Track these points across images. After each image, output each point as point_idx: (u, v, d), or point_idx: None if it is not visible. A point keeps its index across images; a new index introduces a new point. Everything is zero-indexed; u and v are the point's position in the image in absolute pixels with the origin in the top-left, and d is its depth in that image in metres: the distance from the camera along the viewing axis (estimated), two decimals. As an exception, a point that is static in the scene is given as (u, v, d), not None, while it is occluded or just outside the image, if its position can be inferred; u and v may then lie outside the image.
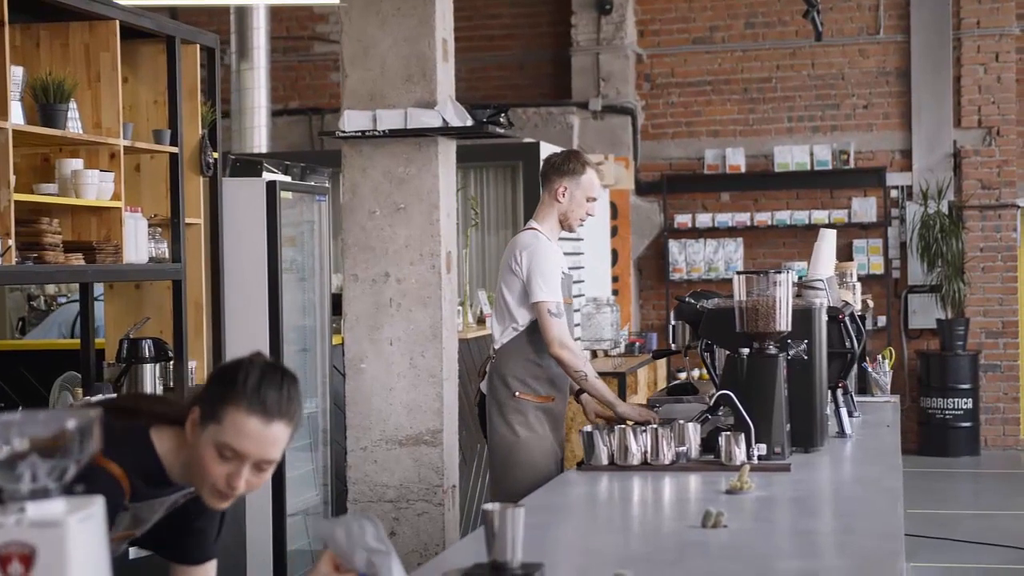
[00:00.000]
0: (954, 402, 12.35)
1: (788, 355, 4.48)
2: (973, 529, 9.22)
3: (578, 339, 10.01)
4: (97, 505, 1.79)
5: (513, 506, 2.76)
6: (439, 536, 5.83)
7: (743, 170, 12.97)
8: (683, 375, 12.29)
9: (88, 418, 1.78)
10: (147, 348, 5.50)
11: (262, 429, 2.59)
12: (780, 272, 4.45)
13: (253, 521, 6.15)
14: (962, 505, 10.58)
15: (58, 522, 1.73)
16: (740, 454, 4.20)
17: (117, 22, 5.23)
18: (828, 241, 5.59)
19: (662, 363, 11.42)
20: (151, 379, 5.50)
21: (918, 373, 12.64)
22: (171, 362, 5.67)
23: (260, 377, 2.62)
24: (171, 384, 5.69)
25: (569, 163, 5.38)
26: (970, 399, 12.37)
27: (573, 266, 10.27)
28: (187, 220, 5.79)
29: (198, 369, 5.95)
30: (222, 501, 2.68)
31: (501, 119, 6.21)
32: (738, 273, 4.49)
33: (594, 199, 5.40)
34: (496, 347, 5.39)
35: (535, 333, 5.22)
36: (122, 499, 2.65)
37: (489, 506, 2.76)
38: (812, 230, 12.68)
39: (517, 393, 5.25)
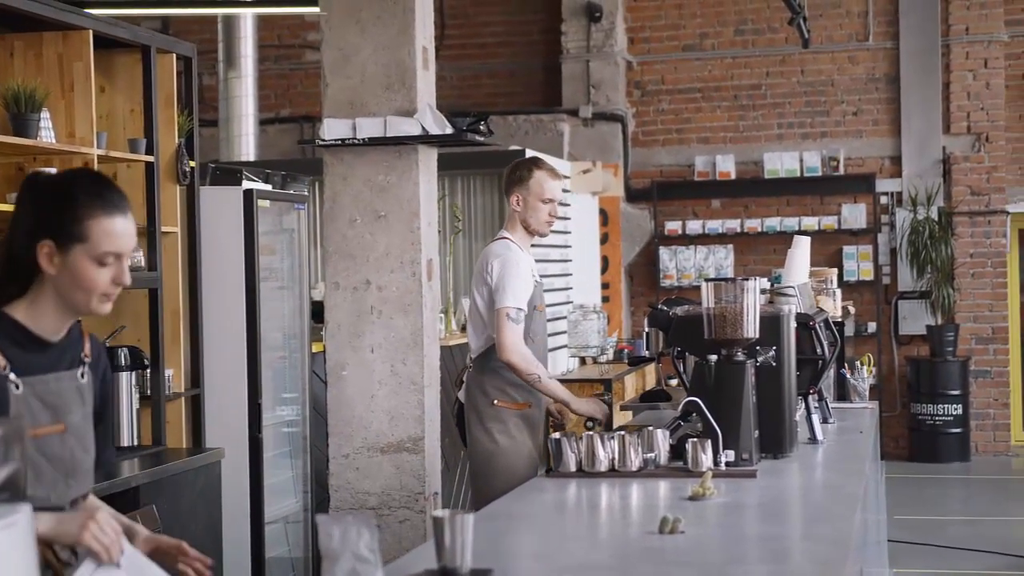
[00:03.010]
0: (944, 408, 12.35)
1: (756, 362, 4.49)
2: (961, 535, 9.23)
3: (564, 346, 10.04)
4: (23, 514, 1.80)
5: (462, 513, 2.78)
6: (421, 543, 5.84)
7: (733, 177, 12.99)
8: (674, 382, 12.29)
9: (14, 427, 1.80)
10: (123, 356, 5.51)
11: (124, 223, 2.77)
12: (748, 279, 4.46)
13: (230, 527, 6.15)
14: (951, 511, 10.59)
15: (-21, 530, 1.74)
16: (707, 460, 4.21)
17: (91, 32, 5.25)
18: (802, 248, 5.61)
19: (651, 369, 11.42)
20: (127, 388, 5.51)
21: (908, 379, 12.64)
22: (147, 370, 5.68)
23: (96, 184, 2.78)
24: (148, 393, 5.71)
25: (516, 171, 5.47)
26: (960, 405, 12.38)
27: (561, 273, 10.32)
28: (164, 228, 5.81)
29: (175, 377, 5.97)
30: (107, 303, 2.79)
31: (481, 127, 6.23)
32: (706, 280, 4.50)
33: (550, 200, 5.42)
34: (473, 356, 5.43)
35: None
36: None
37: (438, 513, 2.78)
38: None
39: (496, 401, 5.30)
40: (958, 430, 12.39)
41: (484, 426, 5.30)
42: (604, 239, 12.44)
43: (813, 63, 12.98)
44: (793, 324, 4.72)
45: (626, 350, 11.15)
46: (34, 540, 1.83)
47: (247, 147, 10.65)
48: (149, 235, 5.69)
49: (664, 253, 13.05)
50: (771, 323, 4.57)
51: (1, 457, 1.79)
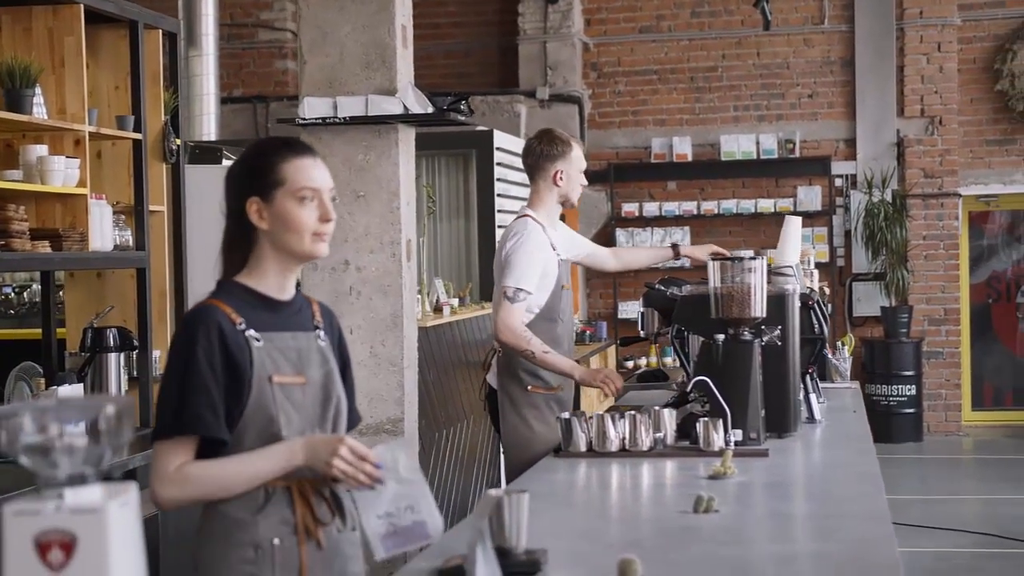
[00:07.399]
0: (898, 389, 12.49)
1: (762, 341, 4.49)
2: (917, 513, 9.33)
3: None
4: (132, 492, 1.77)
5: (518, 492, 2.76)
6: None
7: (690, 159, 13.03)
8: (643, 361, 12.35)
9: (125, 403, 1.76)
10: (111, 337, 5.43)
11: (314, 162, 2.94)
12: (755, 258, 4.46)
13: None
14: (907, 490, 10.70)
15: (98, 508, 1.71)
16: (719, 440, 4.21)
17: (81, 6, 5.15)
18: (794, 227, 5.63)
19: (612, 351, 11.46)
20: (115, 368, 5.43)
21: (862, 360, 12.76)
22: (135, 351, 5.60)
23: (281, 139, 2.99)
24: (135, 374, 5.62)
25: (556, 146, 5.39)
26: (913, 386, 12.52)
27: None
28: (151, 207, 5.72)
29: (162, 358, 5.88)
30: (322, 243, 2.93)
31: (461, 107, 6.20)
32: (713, 259, 4.50)
33: (583, 169, 5.50)
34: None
35: (542, 323, 5.17)
36: (223, 317, 2.85)
37: (494, 492, 2.75)
38: (758, 218, 12.80)
39: (529, 387, 5.20)
40: (911, 411, 12.54)
41: (519, 412, 5.20)
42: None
43: (769, 45, 13.04)
44: (797, 303, 4.73)
45: (587, 332, 11.19)
46: (140, 516, 1.79)
47: (208, 126, 10.51)
48: (137, 214, 5.60)
49: (621, 235, 13.07)
50: (776, 302, 4.58)
51: (114, 434, 1.75)
